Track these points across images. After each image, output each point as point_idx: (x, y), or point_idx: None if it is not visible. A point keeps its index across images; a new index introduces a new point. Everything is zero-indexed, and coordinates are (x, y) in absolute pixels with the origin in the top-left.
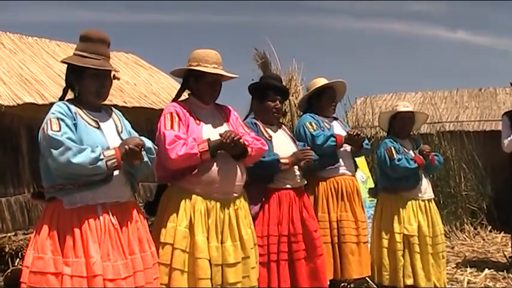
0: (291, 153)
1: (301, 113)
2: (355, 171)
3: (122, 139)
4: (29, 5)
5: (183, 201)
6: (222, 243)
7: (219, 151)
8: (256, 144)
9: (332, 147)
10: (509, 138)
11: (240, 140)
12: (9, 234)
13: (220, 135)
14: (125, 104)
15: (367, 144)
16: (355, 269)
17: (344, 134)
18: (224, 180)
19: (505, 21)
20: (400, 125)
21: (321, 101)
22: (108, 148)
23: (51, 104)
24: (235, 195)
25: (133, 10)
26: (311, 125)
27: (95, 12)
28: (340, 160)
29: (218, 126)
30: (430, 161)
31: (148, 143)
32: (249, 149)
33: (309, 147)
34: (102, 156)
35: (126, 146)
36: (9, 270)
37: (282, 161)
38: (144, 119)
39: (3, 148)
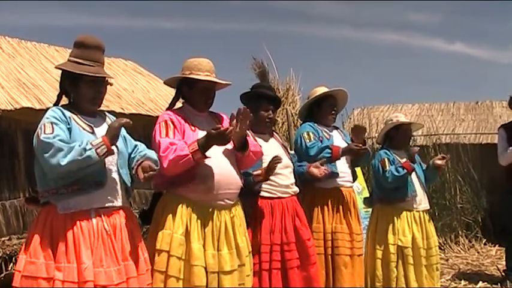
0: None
1: (301, 122)
2: (353, 182)
3: (116, 145)
4: (28, 8)
5: (180, 208)
6: (218, 250)
7: (216, 154)
8: (256, 145)
9: (327, 159)
10: (507, 151)
11: (226, 130)
12: (3, 239)
13: (207, 131)
14: (122, 111)
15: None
16: (347, 281)
17: (344, 143)
18: (221, 188)
19: (503, 34)
20: (402, 136)
21: (321, 110)
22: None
23: (49, 109)
24: (231, 202)
25: (133, 17)
26: (308, 135)
27: (94, 18)
28: (338, 171)
29: None
30: (428, 168)
31: (153, 155)
32: (249, 140)
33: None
34: (89, 146)
35: (115, 123)
36: (2, 275)
37: (254, 173)
38: (142, 126)
39: (0, 152)
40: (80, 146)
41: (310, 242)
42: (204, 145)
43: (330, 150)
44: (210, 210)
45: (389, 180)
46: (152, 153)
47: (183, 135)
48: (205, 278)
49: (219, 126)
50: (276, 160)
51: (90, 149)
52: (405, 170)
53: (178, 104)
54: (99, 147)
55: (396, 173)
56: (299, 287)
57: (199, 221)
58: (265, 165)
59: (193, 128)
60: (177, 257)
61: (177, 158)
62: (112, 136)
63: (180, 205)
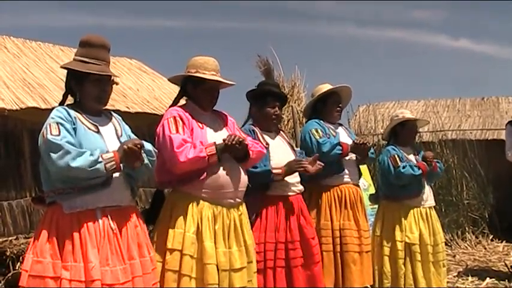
0: (286, 163)
1: (306, 120)
2: (359, 179)
3: (121, 143)
4: (31, 9)
5: (190, 207)
6: (228, 248)
7: (224, 154)
8: (256, 147)
9: (337, 156)
10: None
11: (245, 142)
12: (10, 238)
13: (224, 139)
14: (127, 110)
15: (372, 153)
16: (356, 278)
17: (349, 141)
18: (230, 186)
19: (508, 29)
20: (407, 133)
21: (326, 107)
22: (107, 152)
23: (54, 108)
24: (239, 200)
25: (137, 15)
26: (317, 131)
27: (99, 17)
28: (345, 168)
29: (219, 131)
30: (432, 168)
31: (148, 145)
32: (250, 152)
33: (304, 158)
34: (100, 159)
35: (125, 146)
36: (10, 274)
37: (274, 171)
38: (147, 125)
39: (6, 152)
40: (91, 155)
41: (314, 241)
42: (223, 151)
43: (340, 147)
44: (220, 208)
45: (403, 177)
46: (147, 144)
47: (191, 132)
48: (217, 276)
49: (243, 139)
50: (300, 164)
51: (100, 162)
52: (420, 171)
53: (181, 102)
54: (108, 163)
55: (413, 172)
56: (303, 287)
57: (210, 219)
58: (272, 162)
59: (200, 125)
60: (190, 256)
61: (197, 158)
62: (123, 155)
63: (191, 204)
